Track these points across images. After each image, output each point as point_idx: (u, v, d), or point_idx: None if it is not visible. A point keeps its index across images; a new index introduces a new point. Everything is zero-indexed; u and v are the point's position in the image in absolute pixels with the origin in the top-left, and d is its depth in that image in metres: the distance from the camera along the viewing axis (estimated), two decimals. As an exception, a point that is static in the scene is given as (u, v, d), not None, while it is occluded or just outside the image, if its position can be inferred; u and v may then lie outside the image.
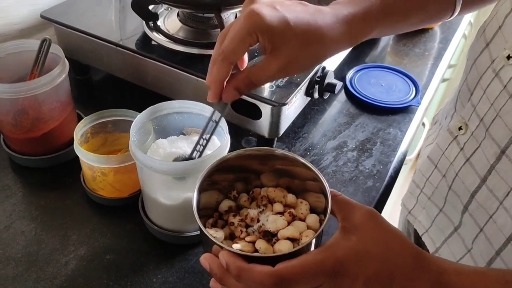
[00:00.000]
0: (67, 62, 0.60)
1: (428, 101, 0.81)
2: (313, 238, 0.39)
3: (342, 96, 0.79)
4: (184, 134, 0.58)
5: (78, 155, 0.55)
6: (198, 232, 0.55)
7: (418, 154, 0.77)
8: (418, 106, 0.77)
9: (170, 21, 0.73)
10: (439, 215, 0.54)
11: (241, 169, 0.46)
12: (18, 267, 0.52)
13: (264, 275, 0.35)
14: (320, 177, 0.42)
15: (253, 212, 0.44)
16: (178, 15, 0.73)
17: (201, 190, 0.43)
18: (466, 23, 1.04)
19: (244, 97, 0.61)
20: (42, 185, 0.61)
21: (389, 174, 0.66)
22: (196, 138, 0.56)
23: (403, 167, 0.74)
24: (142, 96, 0.72)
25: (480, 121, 0.45)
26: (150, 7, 0.71)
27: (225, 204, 0.46)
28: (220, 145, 0.52)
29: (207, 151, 0.50)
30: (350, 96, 0.78)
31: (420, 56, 0.89)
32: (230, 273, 0.37)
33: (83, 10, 0.74)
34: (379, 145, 0.70)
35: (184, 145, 0.55)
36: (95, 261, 0.53)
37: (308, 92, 0.67)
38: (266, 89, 0.61)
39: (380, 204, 0.64)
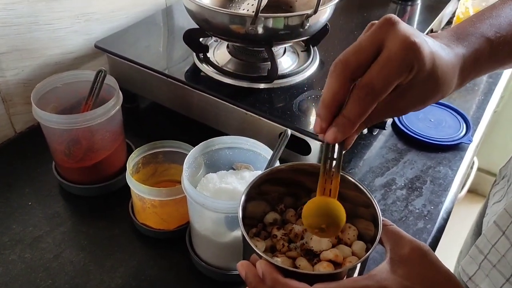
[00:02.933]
0: (121, 94, 0.61)
1: (479, 139, 0.78)
2: (357, 263, 0.38)
3: (388, 130, 0.78)
4: (233, 169, 0.58)
5: (130, 186, 0.56)
6: (246, 271, 0.54)
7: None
8: (469, 144, 0.74)
9: (219, 52, 0.73)
10: (505, 285, 0.51)
11: (292, 183, 0.46)
12: (66, 298, 0.52)
13: None
14: (374, 203, 0.40)
15: (298, 228, 0.44)
16: (227, 47, 0.73)
17: (248, 198, 0.43)
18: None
19: (294, 132, 0.60)
20: (91, 213, 0.62)
21: (440, 215, 0.64)
22: (246, 173, 0.56)
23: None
24: (187, 125, 0.72)
25: None
26: (201, 39, 0.72)
27: (271, 216, 0.46)
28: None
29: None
30: (398, 131, 0.76)
31: (469, 90, 0.87)
32: (265, 284, 0.36)
33: (135, 40, 0.76)
34: (429, 184, 0.68)
35: (234, 181, 0.55)
36: (142, 295, 0.53)
37: (357, 128, 0.66)
38: (317, 125, 0.60)
39: (432, 247, 0.61)
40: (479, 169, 1.89)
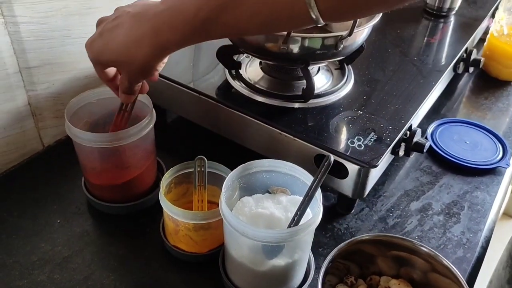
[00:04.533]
0: (154, 113, 0.60)
1: (516, 162, 0.75)
2: None
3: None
4: (269, 192, 0.56)
5: (164, 207, 0.54)
6: (282, 300, 0.52)
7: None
8: (506, 168, 0.72)
9: (251, 69, 0.72)
10: None
11: (357, 250, 0.44)
12: (97, 323, 0.50)
13: None
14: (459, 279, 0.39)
15: None
16: (260, 63, 0.72)
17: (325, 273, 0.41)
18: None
19: (327, 153, 0.58)
20: (120, 233, 0.60)
21: (480, 244, 0.62)
22: (282, 197, 0.55)
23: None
24: (214, 141, 0.71)
25: None
26: (234, 56, 0.70)
27: None
28: (312, 216, 0.49)
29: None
30: (432, 153, 0.74)
31: (504, 111, 0.85)
32: None
33: (165, 55, 0.75)
34: (467, 209, 0.66)
35: (270, 205, 0.53)
36: (174, 322, 0.51)
37: (394, 151, 0.64)
38: (355, 148, 0.58)
39: (471, 278, 0.59)
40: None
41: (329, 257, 0.41)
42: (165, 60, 0.51)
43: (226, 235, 0.51)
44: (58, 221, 0.61)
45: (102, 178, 0.61)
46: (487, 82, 0.93)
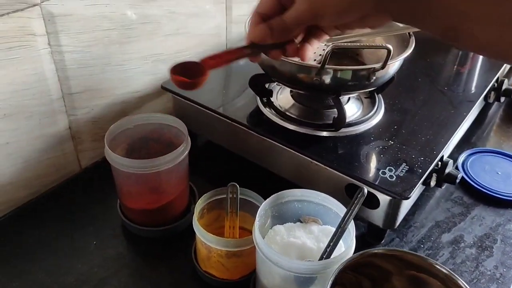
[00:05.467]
0: (189, 140, 0.62)
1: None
2: None
3: (452, 182, 0.75)
4: (300, 222, 0.57)
5: (197, 233, 0.55)
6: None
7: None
8: (540, 200, 0.71)
9: (282, 97, 0.74)
10: None
11: (371, 264, 0.44)
12: None
13: None
14: None
15: None
16: (291, 91, 0.73)
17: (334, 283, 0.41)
18: None
19: (359, 183, 0.59)
20: (154, 256, 0.62)
21: (514, 279, 0.61)
22: (314, 227, 0.55)
23: None
24: (243, 166, 0.72)
25: None
26: (266, 84, 0.72)
27: None
28: (344, 248, 0.50)
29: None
30: (464, 183, 0.74)
31: (536, 141, 0.84)
32: None
33: (199, 81, 0.77)
34: (499, 243, 0.65)
35: (302, 235, 0.54)
36: None
37: (426, 182, 0.64)
38: (387, 178, 0.59)
39: (506, 313, 0.58)
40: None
41: (339, 267, 0.41)
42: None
43: (258, 264, 0.52)
44: (94, 242, 0.63)
45: (137, 202, 0.63)
46: (518, 111, 0.92)
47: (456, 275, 0.42)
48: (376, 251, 0.43)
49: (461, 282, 0.41)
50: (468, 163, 0.77)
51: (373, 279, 0.45)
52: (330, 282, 0.40)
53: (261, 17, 0.45)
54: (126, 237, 0.64)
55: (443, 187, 0.73)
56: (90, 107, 0.71)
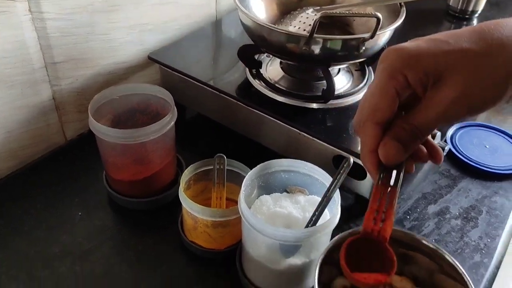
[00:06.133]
0: (176, 110, 0.61)
1: (537, 168, 0.74)
2: None
3: (440, 155, 0.75)
4: (287, 192, 0.56)
5: (183, 204, 0.55)
6: (298, 299, 0.52)
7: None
8: (527, 173, 0.71)
9: (272, 68, 0.72)
10: None
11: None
12: (116, 315, 0.52)
13: None
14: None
15: None
16: (280, 63, 0.72)
17: (322, 264, 0.41)
18: None
19: (347, 154, 0.59)
20: (139, 227, 0.62)
21: (497, 249, 0.61)
22: (300, 197, 0.55)
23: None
24: (232, 139, 0.72)
25: None
26: (255, 55, 0.71)
27: (340, 283, 0.44)
28: (330, 217, 0.50)
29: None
30: (451, 156, 0.74)
31: (525, 115, 0.84)
32: None
33: (186, 52, 0.76)
34: (485, 214, 0.65)
35: (288, 205, 0.54)
36: (191, 317, 0.52)
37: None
38: (374, 150, 0.58)
39: (489, 283, 0.58)
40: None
41: (328, 246, 0.41)
42: None
43: (244, 233, 0.52)
44: (80, 214, 0.62)
45: (123, 173, 0.62)
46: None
47: (442, 249, 0.42)
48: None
49: (447, 256, 0.41)
50: (456, 137, 0.76)
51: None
52: (318, 263, 0.40)
53: (381, 128, 0.35)
54: (112, 209, 0.64)
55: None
56: (74, 77, 0.69)
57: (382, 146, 0.35)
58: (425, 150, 0.38)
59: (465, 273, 0.40)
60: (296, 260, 0.50)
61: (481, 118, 0.83)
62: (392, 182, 0.36)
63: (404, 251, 0.44)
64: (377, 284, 0.35)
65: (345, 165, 0.49)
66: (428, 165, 0.73)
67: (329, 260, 0.42)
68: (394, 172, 0.36)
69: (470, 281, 0.39)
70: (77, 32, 0.66)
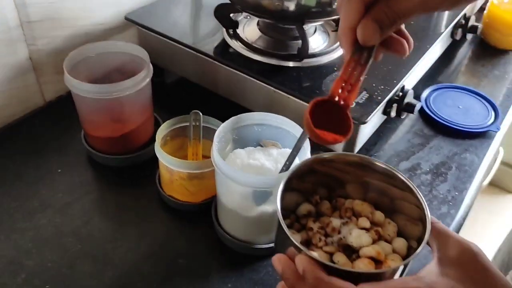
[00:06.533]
0: (151, 67, 0.61)
1: (508, 127, 0.77)
2: (404, 264, 0.37)
3: (415, 115, 0.77)
4: (261, 146, 0.58)
5: (159, 157, 0.56)
6: (270, 245, 0.55)
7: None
8: (497, 131, 0.73)
9: (249, 29, 0.73)
10: None
11: (327, 174, 0.45)
12: (95, 264, 0.53)
13: None
14: (423, 203, 0.39)
15: (336, 222, 0.42)
16: (258, 24, 0.73)
17: (285, 188, 0.42)
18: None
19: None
20: (118, 183, 0.63)
21: (464, 201, 0.64)
22: (273, 150, 0.57)
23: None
24: (213, 101, 0.73)
25: None
26: (231, 15, 0.71)
27: (305, 208, 0.45)
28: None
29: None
30: (425, 116, 0.76)
31: (499, 78, 0.85)
32: (305, 282, 0.34)
33: (164, 13, 0.76)
34: (454, 170, 0.68)
35: (261, 157, 0.55)
36: (168, 264, 0.54)
37: (386, 111, 0.66)
38: (346, 105, 0.60)
39: (456, 231, 0.61)
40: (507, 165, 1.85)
41: (289, 172, 0.42)
42: None
43: (217, 183, 0.54)
44: (59, 170, 0.64)
45: (100, 131, 0.63)
46: (485, 50, 0.93)
47: (395, 169, 0.43)
48: (326, 155, 0.44)
49: (400, 175, 0.42)
50: (431, 98, 0.78)
51: (328, 187, 0.46)
52: (280, 188, 0.41)
53: (365, 6, 0.36)
54: (91, 166, 0.65)
55: (406, 120, 0.75)
56: (51, 38, 0.69)
57: (361, 25, 0.36)
58: (397, 38, 0.40)
59: (417, 190, 0.41)
60: (267, 208, 0.51)
61: (458, 81, 0.85)
62: (362, 61, 0.39)
63: (370, 180, 0.45)
64: (334, 142, 0.39)
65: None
66: (402, 125, 0.75)
67: (292, 187, 0.43)
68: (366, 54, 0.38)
69: (423, 199, 0.40)
70: (52, -10, 0.66)
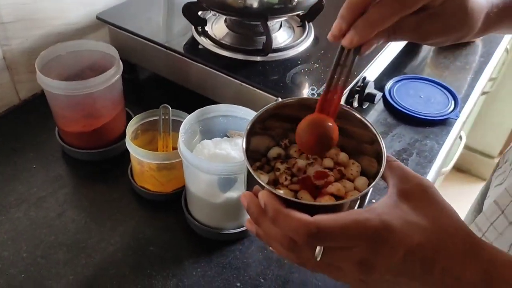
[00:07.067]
0: (121, 63, 0.64)
1: (467, 115, 0.81)
2: (359, 196, 0.38)
3: (380, 106, 0.80)
4: (228, 136, 0.61)
5: (129, 150, 0.59)
6: (237, 230, 0.57)
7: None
8: (456, 119, 0.77)
9: (217, 26, 0.76)
10: None
11: (298, 119, 0.44)
12: (68, 253, 0.56)
13: (301, 223, 0.33)
14: (379, 137, 0.41)
15: (301, 162, 0.44)
16: (225, 21, 0.75)
17: (253, 132, 0.43)
18: (510, 37, 1.03)
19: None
20: (91, 177, 0.65)
21: (424, 185, 0.67)
22: (239, 140, 0.59)
23: (438, 178, 0.75)
24: (185, 96, 0.75)
25: None
26: (199, 12, 0.74)
27: (275, 151, 0.46)
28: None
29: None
30: (388, 106, 0.79)
31: (460, 69, 0.89)
32: (266, 215, 0.36)
33: (136, 13, 0.79)
34: (415, 156, 0.71)
35: (227, 147, 0.58)
36: (139, 252, 0.56)
37: (348, 101, 0.69)
38: (308, 96, 0.63)
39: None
40: (475, 151, 1.94)
41: (256, 115, 0.43)
42: None
43: (185, 173, 0.56)
44: (34, 166, 0.66)
45: (73, 126, 0.65)
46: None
47: (357, 112, 0.43)
48: (288, 101, 0.45)
49: (370, 126, 0.42)
50: (394, 89, 0.82)
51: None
52: (245, 132, 0.42)
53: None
54: (65, 161, 0.67)
55: (371, 111, 0.78)
56: (24, 38, 0.71)
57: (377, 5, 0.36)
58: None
59: (373, 126, 0.42)
60: (232, 194, 0.54)
61: (421, 73, 0.88)
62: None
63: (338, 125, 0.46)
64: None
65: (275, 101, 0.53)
66: (370, 117, 0.78)
67: (262, 131, 0.45)
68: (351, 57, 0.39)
69: (379, 135, 0.41)
70: (24, -8, 0.68)
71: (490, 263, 0.34)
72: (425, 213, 0.35)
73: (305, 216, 0.34)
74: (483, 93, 1.37)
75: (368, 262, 0.34)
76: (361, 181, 0.42)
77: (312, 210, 0.35)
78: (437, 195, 0.36)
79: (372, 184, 0.38)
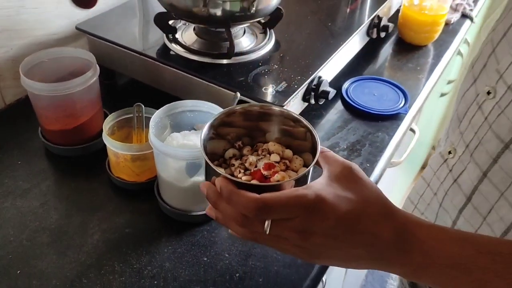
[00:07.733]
0: (98, 67, 0.71)
1: (416, 110, 0.89)
2: (297, 177, 0.46)
3: (338, 104, 0.88)
4: (195, 130, 0.68)
5: (106, 143, 0.65)
6: (204, 212, 0.64)
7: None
8: (406, 113, 0.85)
9: (187, 34, 0.83)
10: None
11: (251, 127, 0.53)
12: (52, 236, 0.61)
13: (250, 200, 0.40)
14: (311, 129, 0.49)
15: (252, 158, 0.51)
16: (194, 29, 0.83)
17: (209, 138, 0.50)
18: (459, 41, 1.12)
19: (247, 99, 0.70)
20: (72, 171, 0.71)
21: (374, 171, 0.75)
22: (205, 132, 0.66)
23: (393, 169, 0.83)
24: (160, 98, 0.81)
25: (466, 147, 0.51)
26: (170, 22, 0.81)
27: (230, 152, 0.53)
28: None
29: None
30: (345, 104, 0.87)
31: (412, 70, 0.98)
32: (222, 197, 0.42)
33: (113, 23, 0.86)
34: (367, 146, 0.79)
35: (194, 138, 0.65)
36: (116, 233, 0.63)
37: (305, 98, 0.77)
38: (268, 93, 0.71)
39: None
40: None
41: (210, 122, 0.50)
42: None
43: (156, 161, 0.63)
44: (19, 162, 0.72)
45: (55, 124, 0.71)
46: (402, 47, 1.06)
47: (291, 112, 0.51)
48: (236, 108, 0.52)
49: (303, 121, 0.50)
50: (351, 88, 0.90)
51: (251, 136, 0.54)
52: (202, 136, 0.49)
53: None
54: (48, 157, 0.73)
55: (321, 103, 0.86)
56: (8, 47, 0.78)
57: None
58: None
59: (306, 121, 0.49)
60: (199, 178, 0.61)
61: (380, 75, 0.97)
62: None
63: (285, 127, 0.53)
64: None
65: (234, 99, 0.61)
66: (326, 113, 0.86)
67: (211, 137, 0.52)
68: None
69: (312, 127, 0.48)
70: (8, 6, 0.75)
71: (403, 224, 0.41)
72: (351, 188, 0.42)
73: (254, 194, 0.41)
74: (443, 94, 1.47)
75: (307, 229, 0.41)
76: (303, 171, 0.50)
77: (259, 190, 0.42)
78: (361, 174, 0.44)
79: (308, 168, 0.46)
